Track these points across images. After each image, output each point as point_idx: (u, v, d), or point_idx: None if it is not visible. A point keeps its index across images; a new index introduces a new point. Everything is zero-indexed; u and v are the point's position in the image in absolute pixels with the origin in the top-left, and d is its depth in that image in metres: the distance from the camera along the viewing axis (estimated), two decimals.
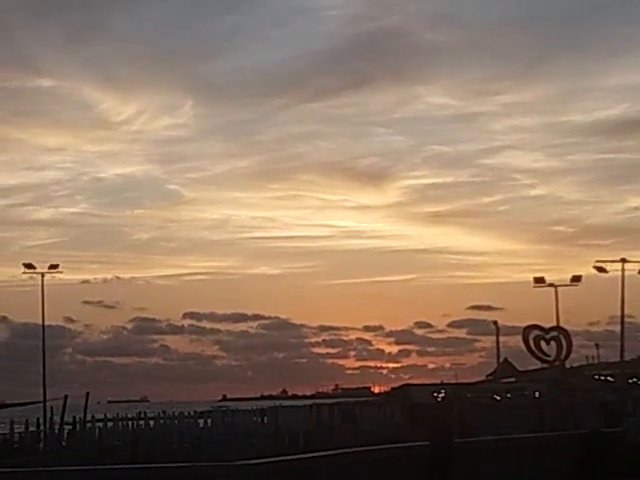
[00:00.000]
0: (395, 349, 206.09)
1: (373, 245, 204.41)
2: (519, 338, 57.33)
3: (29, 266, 60.68)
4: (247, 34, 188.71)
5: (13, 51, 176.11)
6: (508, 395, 71.61)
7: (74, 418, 50.71)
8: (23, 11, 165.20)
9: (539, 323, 57.09)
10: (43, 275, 59.85)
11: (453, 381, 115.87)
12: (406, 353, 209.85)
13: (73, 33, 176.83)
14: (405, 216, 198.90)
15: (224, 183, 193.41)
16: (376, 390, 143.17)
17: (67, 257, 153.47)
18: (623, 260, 60.24)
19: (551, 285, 62.01)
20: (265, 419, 55.56)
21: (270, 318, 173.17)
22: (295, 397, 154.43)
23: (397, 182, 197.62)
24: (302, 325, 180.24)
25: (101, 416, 51.55)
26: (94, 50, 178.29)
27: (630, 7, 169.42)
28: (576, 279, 62.25)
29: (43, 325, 60.70)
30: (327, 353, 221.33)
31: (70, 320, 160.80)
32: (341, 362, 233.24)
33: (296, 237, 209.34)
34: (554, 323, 58.91)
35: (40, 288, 59.47)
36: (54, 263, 60.98)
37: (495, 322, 72.88)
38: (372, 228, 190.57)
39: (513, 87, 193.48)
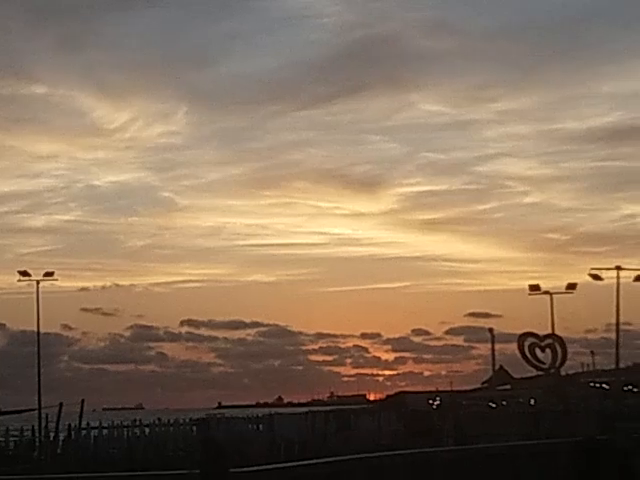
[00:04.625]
0: (392, 356, 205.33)
1: (368, 252, 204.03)
2: (515, 345, 57.45)
3: (24, 273, 60.67)
4: (241, 41, 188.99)
5: (6, 58, 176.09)
6: (503, 402, 71.60)
7: (69, 426, 50.61)
8: (16, 18, 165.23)
9: (534, 331, 57.19)
10: (38, 282, 59.91)
11: (448, 388, 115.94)
12: (402, 360, 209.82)
13: (66, 40, 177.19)
14: (399, 223, 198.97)
15: (218, 190, 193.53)
16: (371, 397, 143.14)
17: (61, 264, 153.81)
18: (618, 268, 60.49)
19: (546, 293, 62.12)
20: (260, 427, 55.50)
21: (268, 325, 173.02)
22: (291, 405, 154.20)
23: (391, 189, 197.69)
24: (299, 332, 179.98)
25: (96, 424, 51.42)
26: (87, 57, 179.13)
27: (624, 14, 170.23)
28: (571, 287, 62.37)
29: (38, 332, 60.73)
30: (323, 360, 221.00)
31: (67, 327, 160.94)
32: (337, 369, 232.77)
33: (290, 244, 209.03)
34: (550, 330, 59.00)
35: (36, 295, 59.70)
36: (49, 270, 61.06)
37: (490, 330, 72.98)
38: (366, 235, 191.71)
39: (507, 94, 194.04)
